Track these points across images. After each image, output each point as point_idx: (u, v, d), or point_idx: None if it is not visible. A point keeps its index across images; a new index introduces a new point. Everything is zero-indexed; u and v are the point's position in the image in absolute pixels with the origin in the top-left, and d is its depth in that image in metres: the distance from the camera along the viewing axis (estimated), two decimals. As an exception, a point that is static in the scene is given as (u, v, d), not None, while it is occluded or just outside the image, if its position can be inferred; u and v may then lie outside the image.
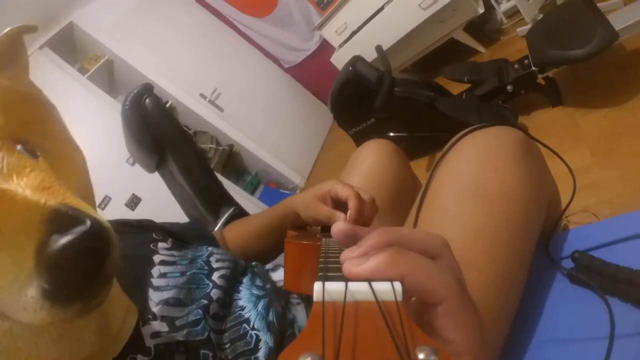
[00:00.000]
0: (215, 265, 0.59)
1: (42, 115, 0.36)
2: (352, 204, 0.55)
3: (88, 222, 0.24)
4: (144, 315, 0.45)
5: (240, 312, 0.53)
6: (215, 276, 0.56)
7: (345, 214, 0.57)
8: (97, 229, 0.25)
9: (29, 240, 0.24)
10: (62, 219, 0.24)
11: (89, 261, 0.24)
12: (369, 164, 0.85)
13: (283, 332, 0.52)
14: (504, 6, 2.46)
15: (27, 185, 0.26)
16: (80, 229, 0.24)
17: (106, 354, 0.38)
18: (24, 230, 0.24)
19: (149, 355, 0.41)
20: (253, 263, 0.67)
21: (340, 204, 0.59)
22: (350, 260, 0.24)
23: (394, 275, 0.22)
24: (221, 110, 3.19)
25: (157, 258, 0.55)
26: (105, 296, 0.27)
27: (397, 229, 0.27)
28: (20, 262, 0.23)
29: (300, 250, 0.45)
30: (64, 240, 0.23)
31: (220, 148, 3.18)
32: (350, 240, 0.29)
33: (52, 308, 0.24)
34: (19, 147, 0.30)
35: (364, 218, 0.56)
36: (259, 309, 0.54)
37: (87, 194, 0.38)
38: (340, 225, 0.30)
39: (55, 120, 0.38)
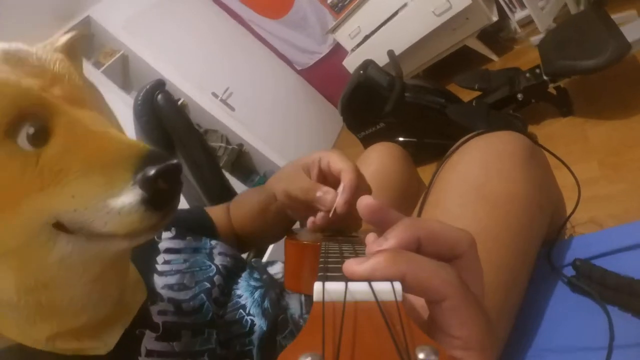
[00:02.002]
0: (217, 257, 0.61)
1: (101, 99, 0.41)
2: (347, 178, 0.45)
3: (174, 160, 0.31)
4: (152, 296, 0.47)
5: (238, 299, 0.55)
6: (217, 260, 0.58)
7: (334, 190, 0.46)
8: (180, 165, 0.31)
9: (126, 168, 0.30)
10: (156, 156, 0.31)
11: (174, 183, 0.31)
12: (374, 166, 0.85)
13: (276, 317, 0.54)
14: (518, 15, 2.45)
15: (123, 134, 0.33)
16: (173, 162, 0.31)
17: (117, 322, 0.41)
18: (122, 162, 0.30)
19: (157, 332, 0.43)
20: (253, 260, 0.69)
21: (330, 182, 0.48)
22: (351, 260, 0.23)
23: (394, 274, 0.21)
24: (232, 109, 3.21)
25: (161, 246, 0.57)
26: (171, 218, 0.33)
27: (426, 222, 0.25)
28: (114, 182, 0.29)
29: (300, 250, 0.45)
30: (162, 164, 0.30)
31: (230, 147, 3.20)
32: (377, 218, 0.27)
33: (145, 212, 0.30)
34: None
35: (356, 199, 0.47)
36: (255, 297, 0.56)
37: None
38: (368, 199, 0.27)
39: (109, 107, 0.43)
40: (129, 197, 0.29)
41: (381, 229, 0.27)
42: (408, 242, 0.24)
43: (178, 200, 0.33)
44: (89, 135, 0.31)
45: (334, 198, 0.44)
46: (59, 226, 0.31)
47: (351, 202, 0.43)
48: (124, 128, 0.41)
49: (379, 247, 0.24)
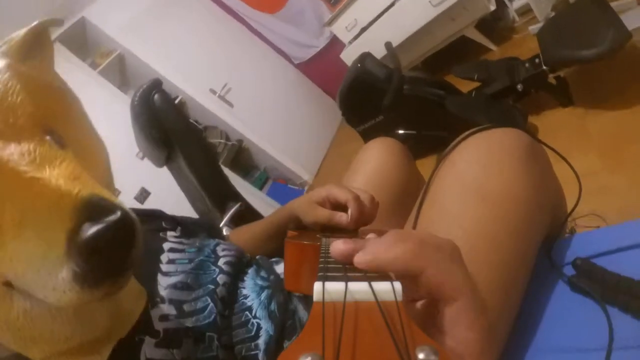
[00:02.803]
0: (221, 253, 0.60)
1: (67, 106, 0.37)
2: (351, 206, 0.55)
3: (119, 213, 0.26)
4: (153, 298, 0.46)
5: (244, 300, 0.55)
6: (221, 262, 0.58)
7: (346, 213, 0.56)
8: (127, 219, 0.26)
9: (61, 226, 0.25)
10: (94, 209, 0.26)
11: (118, 248, 0.26)
12: (373, 163, 0.85)
13: (284, 322, 0.54)
14: (516, 4, 2.43)
15: (59, 175, 0.27)
16: (112, 219, 0.26)
17: (114, 335, 0.39)
18: (57, 217, 0.25)
19: (157, 337, 0.42)
20: (257, 256, 0.68)
21: (339, 207, 0.59)
22: (376, 242, 0.23)
23: (415, 268, 0.22)
24: (231, 105, 3.20)
25: (166, 245, 0.57)
26: (128, 280, 0.29)
27: (406, 234, 0.26)
28: (51, 246, 0.25)
29: (300, 250, 0.45)
30: (97, 227, 0.25)
31: (230, 143, 3.19)
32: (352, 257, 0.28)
33: (82, 290, 0.25)
34: (47, 137, 0.31)
35: (365, 217, 0.56)
36: (262, 299, 0.55)
37: (109, 184, 0.40)
38: (339, 245, 0.28)
39: (80, 112, 0.40)
40: (61, 272, 0.25)
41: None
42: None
43: (132, 261, 0.27)
44: (18, 184, 0.26)
45: (347, 219, 0.55)
46: (10, 284, 0.28)
47: (360, 218, 0.55)
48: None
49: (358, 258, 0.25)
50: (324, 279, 0.23)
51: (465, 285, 0.22)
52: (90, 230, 0.25)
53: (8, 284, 0.28)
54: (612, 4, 1.39)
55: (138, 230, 0.28)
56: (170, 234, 0.61)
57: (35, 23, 0.38)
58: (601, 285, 0.50)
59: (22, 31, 0.36)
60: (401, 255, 0.22)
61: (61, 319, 0.32)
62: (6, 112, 0.30)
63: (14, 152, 0.28)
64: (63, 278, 0.25)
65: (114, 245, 0.26)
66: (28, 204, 0.26)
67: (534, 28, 2.18)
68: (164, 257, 0.54)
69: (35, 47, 0.38)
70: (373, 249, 0.24)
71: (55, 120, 0.34)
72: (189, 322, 0.46)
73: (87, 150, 0.37)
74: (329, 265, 0.27)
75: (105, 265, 0.26)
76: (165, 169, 1.45)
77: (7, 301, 0.29)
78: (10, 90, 0.31)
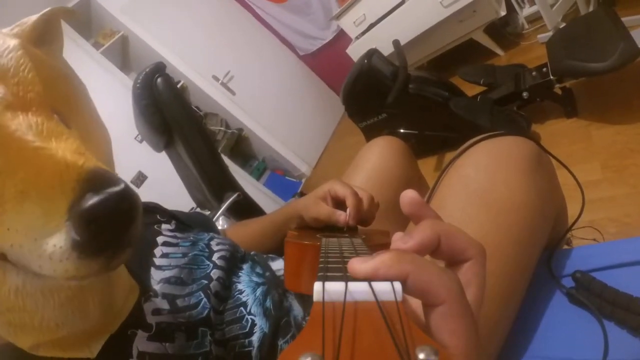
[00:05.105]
0: (215, 248, 0.60)
1: (74, 91, 0.38)
2: (349, 202, 0.57)
3: (122, 185, 0.26)
4: (146, 292, 0.46)
5: (239, 295, 0.54)
6: (215, 257, 0.57)
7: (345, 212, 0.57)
8: (130, 192, 0.27)
9: (63, 195, 0.25)
10: (98, 180, 0.26)
11: (120, 220, 0.26)
12: (375, 161, 0.85)
13: (279, 320, 0.53)
14: (527, 11, 2.42)
15: (65, 148, 0.28)
16: (115, 190, 0.26)
17: (104, 330, 0.39)
18: (60, 187, 0.25)
19: (149, 331, 0.42)
20: (252, 252, 0.68)
21: (340, 203, 0.60)
22: (356, 258, 0.24)
23: (397, 274, 0.22)
24: (233, 93, 3.19)
25: (160, 239, 0.56)
26: (125, 259, 0.28)
27: (445, 224, 0.27)
28: (52, 214, 0.25)
29: (300, 250, 0.45)
30: (100, 197, 0.25)
31: (230, 131, 3.18)
32: (414, 210, 0.30)
33: (78, 259, 0.25)
34: (55, 116, 0.32)
35: (363, 215, 0.57)
36: (257, 295, 0.55)
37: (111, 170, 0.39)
38: (413, 193, 0.30)
39: (86, 98, 0.40)
40: (59, 239, 0.25)
41: (414, 221, 0.30)
42: (430, 239, 0.25)
43: (131, 236, 0.28)
44: (23, 153, 0.27)
45: (345, 217, 0.57)
46: (5, 257, 0.28)
47: (358, 216, 0.57)
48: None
49: (405, 244, 0.25)
50: (324, 279, 0.22)
51: (450, 291, 0.22)
52: (93, 199, 0.25)
53: (2, 257, 0.28)
54: (624, 19, 1.38)
55: (139, 206, 0.28)
56: (165, 227, 0.60)
57: (47, 9, 0.38)
58: (599, 299, 0.50)
59: (34, 16, 0.36)
60: (380, 264, 0.22)
61: (53, 303, 0.32)
62: (17, 85, 0.30)
63: (22, 122, 0.28)
64: (61, 247, 0.25)
65: (115, 217, 0.26)
66: (32, 173, 0.26)
67: (543, 36, 2.17)
68: (158, 251, 0.54)
69: (46, 34, 0.38)
70: (354, 263, 0.24)
71: (62, 103, 0.34)
72: (182, 317, 0.46)
73: (91, 136, 0.37)
74: (329, 265, 0.27)
75: (104, 236, 0.26)
76: (163, 154, 1.44)
77: (0, 275, 0.28)
78: (21, 66, 0.31)
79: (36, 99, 0.30)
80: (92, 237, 0.25)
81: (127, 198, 0.26)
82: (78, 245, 0.25)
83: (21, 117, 0.28)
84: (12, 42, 0.32)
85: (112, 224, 0.26)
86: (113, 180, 0.26)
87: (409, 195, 0.30)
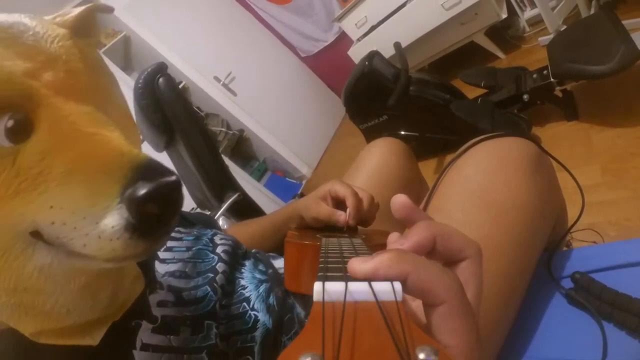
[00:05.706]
0: (219, 242, 0.60)
1: (112, 86, 0.38)
2: (349, 202, 0.57)
3: (174, 177, 0.28)
4: (151, 284, 0.46)
5: (242, 291, 0.54)
6: (219, 250, 0.58)
7: (345, 212, 0.58)
8: (181, 184, 0.28)
9: (116, 179, 0.26)
10: (152, 169, 0.27)
11: (169, 208, 0.28)
12: (375, 162, 0.85)
13: (282, 316, 0.54)
14: (528, 14, 2.43)
15: (119, 137, 0.29)
16: (170, 179, 0.27)
17: (107, 318, 0.39)
18: (114, 171, 0.27)
19: (154, 323, 0.42)
20: (254, 250, 0.68)
21: (340, 203, 0.61)
22: (355, 258, 0.24)
23: (397, 274, 0.22)
24: (234, 94, 3.18)
25: None
26: (162, 245, 0.31)
27: (441, 224, 0.27)
28: (99, 195, 0.26)
29: (300, 250, 0.45)
30: (156, 184, 0.26)
31: (231, 132, 3.18)
32: (405, 214, 0.30)
33: (129, 240, 0.27)
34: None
35: (363, 215, 0.57)
36: (260, 291, 0.55)
37: None
38: (403, 198, 0.30)
39: (121, 96, 0.40)
40: (112, 220, 0.26)
41: (407, 225, 0.30)
42: (426, 240, 0.26)
43: (173, 224, 0.29)
44: (76, 135, 0.28)
45: (345, 217, 0.57)
46: (38, 235, 0.28)
47: (358, 216, 0.57)
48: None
49: (401, 245, 0.26)
50: (324, 279, 0.22)
51: (450, 290, 0.22)
52: (149, 185, 0.26)
53: (35, 234, 0.28)
54: (624, 22, 1.38)
55: (182, 199, 0.29)
56: None
57: (88, 5, 0.39)
58: (599, 301, 0.50)
59: (74, 11, 0.37)
60: (379, 264, 0.22)
61: (71, 287, 0.32)
62: (67, 73, 0.31)
63: (73, 108, 0.29)
64: (113, 226, 0.26)
65: (167, 204, 0.27)
66: (83, 155, 0.27)
67: (544, 39, 2.18)
68: None
69: (82, 29, 0.38)
70: (353, 263, 0.24)
71: (104, 96, 0.34)
72: (188, 311, 0.46)
73: (127, 132, 0.37)
74: (329, 265, 0.27)
75: (156, 220, 0.27)
76: (164, 153, 1.44)
77: (28, 253, 0.28)
78: (72, 56, 0.32)
79: (84, 89, 0.31)
80: (145, 221, 0.26)
81: (178, 189, 0.28)
82: (131, 227, 0.26)
83: (73, 104, 0.29)
84: (62, 31, 0.33)
85: (164, 211, 0.27)
86: (167, 171, 0.28)
87: (400, 200, 0.30)
